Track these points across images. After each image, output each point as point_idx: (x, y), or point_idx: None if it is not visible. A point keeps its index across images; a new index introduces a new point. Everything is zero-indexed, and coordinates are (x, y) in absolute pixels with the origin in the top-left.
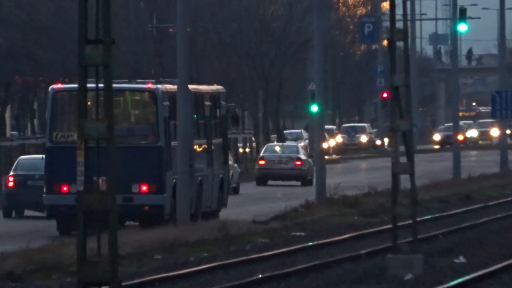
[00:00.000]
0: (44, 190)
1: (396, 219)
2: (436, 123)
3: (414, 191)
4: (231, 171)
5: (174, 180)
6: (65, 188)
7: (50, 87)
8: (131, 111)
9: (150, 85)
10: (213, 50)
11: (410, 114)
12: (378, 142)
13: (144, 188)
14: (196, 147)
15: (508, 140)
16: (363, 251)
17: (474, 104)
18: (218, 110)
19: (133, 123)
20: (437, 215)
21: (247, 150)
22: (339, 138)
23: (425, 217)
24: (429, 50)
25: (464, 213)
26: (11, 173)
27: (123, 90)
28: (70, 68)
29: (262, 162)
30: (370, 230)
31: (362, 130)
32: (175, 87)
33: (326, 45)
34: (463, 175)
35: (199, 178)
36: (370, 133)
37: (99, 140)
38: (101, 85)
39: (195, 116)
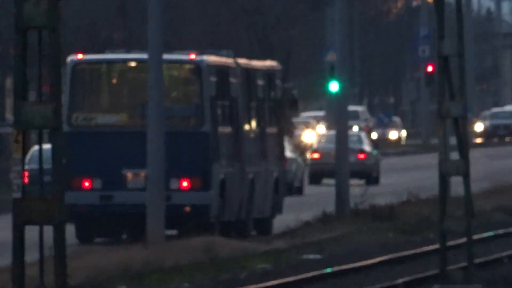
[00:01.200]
0: None
1: (445, 236)
2: (500, 106)
3: (469, 198)
4: (293, 166)
5: (222, 175)
6: (86, 184)
7: (69, 58)
8: (169, 88)
9: (193, 56)
10: (196, 6)
11: (464, 93)
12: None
13: (185, 183)
14: (247, 136)
15: None
16: (400, 280)
17: None
18: (273, 92)
19: (172, 103)
20: (501, 231)
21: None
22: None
23: (485, 234)
24: (490, 6)
25: None
26: (26, 167)
27: None
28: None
29: (316, 155)
30: (409, 252)
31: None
32: (224, 59)
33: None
34: None
35: (251, 175)
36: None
37: (42, 130)
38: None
39: (244, 98)
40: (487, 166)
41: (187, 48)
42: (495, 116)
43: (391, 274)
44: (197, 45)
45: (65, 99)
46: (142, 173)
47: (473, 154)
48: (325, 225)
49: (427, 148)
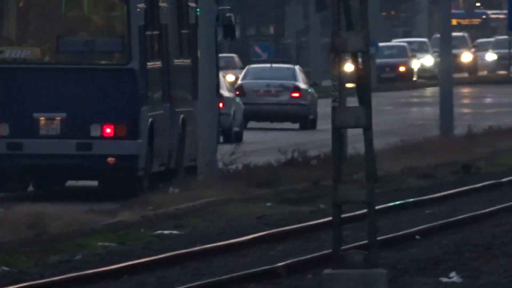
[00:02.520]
0: None
1: (340, 207)
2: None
3: (371, 158)
4: (232, 108)
5: (150, 119)
6: None
7: None
8: (90, 16)
9: None
10: None
11: (366, 21)
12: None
13: (108, 130)
14: (177, 71)
15: None
16: (281, 263)
17: (478, 5)
18: (189, 16)
19: (93, 34)
20: (412, 199)
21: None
22: None
23: (392, 204)
24: None
25: (460, 196)
26: None
27: None
28: None
29: (240, 93)
30: (293, 227)
31: None
32: None
33: None
34: (458, 131)
35: (181, 117)
36: None
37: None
38: None
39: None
40: (397, 116)
41: None
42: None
43: (270, 255)
44: None
45: None
46: (57, 118)
47: (378, 101)
48: (186, 192)
49: (317, 91)
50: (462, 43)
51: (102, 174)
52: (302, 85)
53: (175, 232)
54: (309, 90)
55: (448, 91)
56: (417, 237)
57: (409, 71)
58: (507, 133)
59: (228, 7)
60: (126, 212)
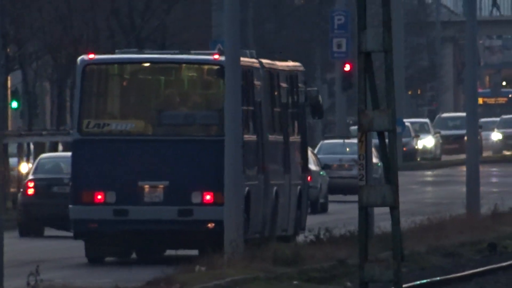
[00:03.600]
0: (70, 200)
1: (366, 286)
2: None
3: (398, 236)
4: (318, 180)
5: (247, 188)
6: (99, 197)
7: (79, 58)
8: (189, 91)
9: (217, 57)
10: None
11: (393, 100)
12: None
13: (208, 197)
14: (270, 145)
15: None
16: None
17: (504, 84)
18: (296, 96)
19: (192, 109)
20: (438, 278)
21: None
22: None
23: (419, 282)
24: None
25: (486, 275)
26: (31, 176)
27: (178, 63)
28: None
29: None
30: None
31: None
32: (247, 59)
33: None
34: (484, 209)
35: (275, 188)
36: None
37: None
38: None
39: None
40: (420, 195)
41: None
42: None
43: None
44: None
45: (75, 103)
46: (160, 186)
47: (403, 178)
48: (212, 270)
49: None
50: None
51: (201, 239)
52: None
53: None
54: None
55: (475, 170)
56: None
57: (413, 151)
58: None
59: (315, 88)
60: None
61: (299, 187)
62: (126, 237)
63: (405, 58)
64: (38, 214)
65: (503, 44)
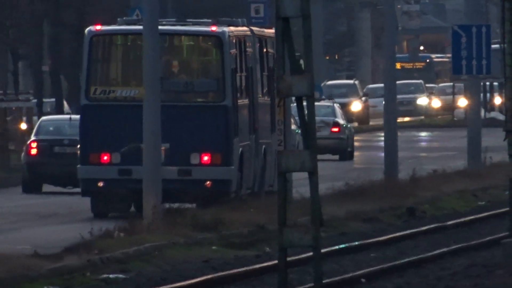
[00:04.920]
0: (79, 160)
1: (285, 251)
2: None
3: (317, 202)
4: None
5: (240, 149)
6: (105, 158)
7: (87, 29)
8: (188, 61)
9: (214, 28)
10: None
11: (311, 66)
12: None
13: (206, 158)
14: (260, 107)
15: (484, 114)
16: None
17: (422, 48)
18: (266, 58)
19: (192, 77)
20: (357, 243)
21: None
22: None
23: (337, 247)
24: None
25: (405, 239)
26: (33, 137)
27: (178, 34)
28: None
29: None
30: (238, 271)
31: None
32: (240, 29)
33: None
34: (403, 174)
35: (263, 146)
36: None
37: None
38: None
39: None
40: (341, 162)
41: None
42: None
43: None
44: None
45: (83, 71)
46: (162, 148)
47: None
48: (131, 236)
49: None
50: (352, 92)
51: (200, 196)
52: (341, 121)
53: (120, 276)
54: (347, 125)
55: (393, 135)
56: (363, 280)
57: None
58: (451, 176)
59: (297, 54)
60: (72, 256)
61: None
62: (130, 194)
63: (323, 23)
64: (40, 172)
65: (421, 9)
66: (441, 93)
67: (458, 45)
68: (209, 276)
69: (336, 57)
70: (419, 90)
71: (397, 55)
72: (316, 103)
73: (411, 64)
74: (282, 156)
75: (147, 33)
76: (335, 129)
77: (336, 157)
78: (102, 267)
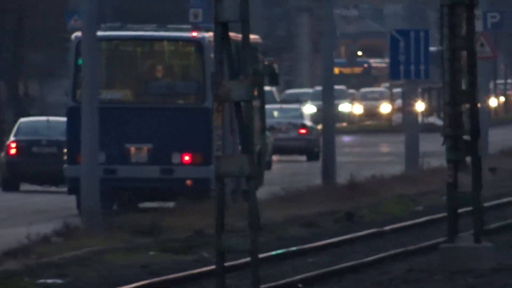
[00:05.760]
0: (66, 160)
1: (223, 256)
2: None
3: (254, 206)
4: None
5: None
6: None
7: (73, 35)
8: (171, 64)
9: (195, 34)
10: None
11: (249, 72)
12: None
13: (187, 158)
14: None
15: (421, 119)
16: None
17: (360, 53)
18: (255, 65)
19: (173, 80)
20: (295, 248)
21: None
22: None
23: (275, 252)
24: None
25: (343, 244)
26: (12, 138)
27: (160, 40)
28: None
29: None
30: (175, 276)
31: None
32: None
33: None
34: (341, 179)
35: (240, 149)
36: None
37: None
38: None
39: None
40: (283, 168)
41: None
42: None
43: None
44: None
45: (69, 75)
46: (145, 148)
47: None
48: (68, 241)
49: None
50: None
51: (180, 195)
52: (308, 123)
53: (58, 281)
54: (314, 127)
55: (331, 140)
56: (300, 285)
57: None
58: (390, 181)
59: (272, 58)
60: (9, 261)
61: (259, 146)
62: (114, 192)
63: (262, 28)
64: (18, 171)
65: (359, 14)
66: (363, 98)
67: (396, 50)
68: (147, 281)
69: (278, 61)
70: (342, 96)
71: (335, 60)
72: (284, 106)
73: (350, 69)
74: (220, 161)
75: (86, 40)
76: (303, 131)
77: (304, 157)
78: (39, 272)
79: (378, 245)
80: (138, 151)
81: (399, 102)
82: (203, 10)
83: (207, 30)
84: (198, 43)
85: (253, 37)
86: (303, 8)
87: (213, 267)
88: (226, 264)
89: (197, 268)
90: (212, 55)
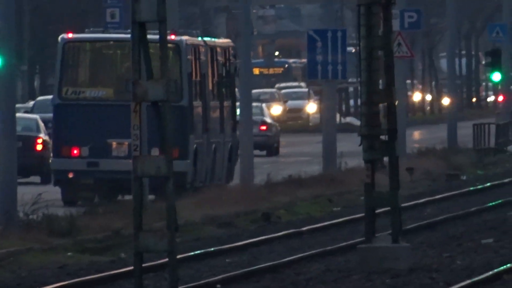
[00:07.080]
0: (51, 154)
1: (141, 256)
2: None
3: (171, 207)
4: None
5: (195, 145)
6: (75, 151)
7: (60, 36)
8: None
9: (173, 37)
10: None
11: (166, 70)
12: None
13: None
14: (211, 109)
15: (339, 119)
16: None
17: (277, 54)
18: (228, 67)
19: None
20: (212, 248)
21: None
22: None
23: (193, 253)
24: None
25: (260, 245)
26: None
27: None
28: None
29: None
30: (92, 277)
31: None
32: (195, 39)
33: None
34: (258, 179)
35: (214, 145)
36: None
37: None
38: (122, 35)
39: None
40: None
41: None
42: None
43: None
44: None
45: (56, 74)
46: (126, 143)
47: None
48: None
49: None
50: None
51: (159, 187)
52: (268, 119)
53: None
54: (274, 124)
55: (248, 141)
56: (218, 286)
57: None
58: (307, 181)
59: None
60: None
61: (230, 143)
62: (97, 184)
63: (179, 28)
64: None
65: (277, 13)
66: (287, 98)
67: (314, 50)
68: (64, 283)
69: None
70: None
71: (253, 61)
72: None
73: (270, 69)
74: (137, 161)
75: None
76: (263, 127)
77: (264, 152)
78: None
79: (296, 245)
80: (119, 146)
81: (293, 103)
82: (120, 10)
83: (184, 34)
84: (176, 45)
85: (225, 40)
86: (221, 8)
87: (131, 267)
88: (144, 264)
89: (115, 269)
90: (189, 57)
